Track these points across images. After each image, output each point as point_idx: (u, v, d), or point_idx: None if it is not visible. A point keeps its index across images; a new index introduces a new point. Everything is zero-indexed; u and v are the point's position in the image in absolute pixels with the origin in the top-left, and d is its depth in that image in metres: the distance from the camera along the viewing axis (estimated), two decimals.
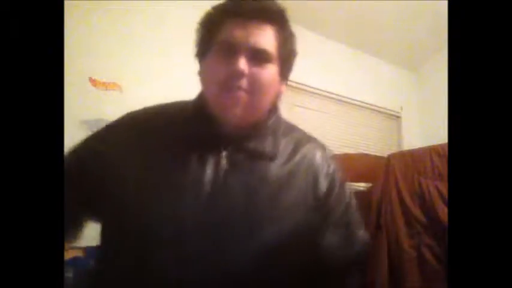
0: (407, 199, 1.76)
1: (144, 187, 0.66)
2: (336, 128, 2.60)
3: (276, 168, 0.71)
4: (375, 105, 2.79)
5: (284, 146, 0.75)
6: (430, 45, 2.76)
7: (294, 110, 2.42)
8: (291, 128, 0.84)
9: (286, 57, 0.75)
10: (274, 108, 0.80)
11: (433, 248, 1.64)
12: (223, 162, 0.68)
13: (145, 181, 0.67)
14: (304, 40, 2.46)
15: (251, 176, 0.68)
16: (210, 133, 0.70)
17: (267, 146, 0.72)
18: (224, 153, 0.69)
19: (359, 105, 2.71)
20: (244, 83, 0.67)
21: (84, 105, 1.64)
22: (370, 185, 2.07)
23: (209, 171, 0.67)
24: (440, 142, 1.71)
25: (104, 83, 1.71)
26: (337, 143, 2.56)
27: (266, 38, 0.69)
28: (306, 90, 2.46)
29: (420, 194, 1.72)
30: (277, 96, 0.78)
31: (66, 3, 0.63)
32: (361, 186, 2.19)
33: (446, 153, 1.66)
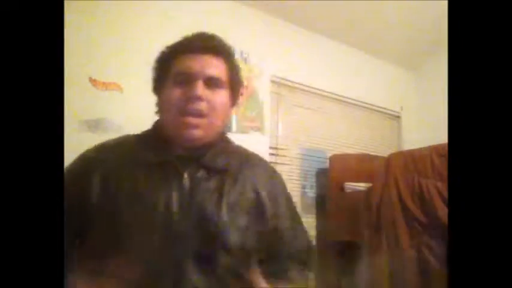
0: (407, 199, 1.76)
1: (120, 211, 0.73)
2: (336, 128, 2.59)
3: (229, 183, 0.79)
4: (375, 105, 2.79)
5: (233, 163, 0.84)
6: (430, 45, 2.76)
7: (294, 110, 2.42)
8: (237, 147, 0.93)
9: (235, 85, 0.86)
10: (224, 129, 0.90)
11: (433, 248, 1.64)
12: (186, 182, 0.76)
13: (120, 205, 0.74)
14: (304, 40, 2.47)
15: (210, 191, 0.77)
16: (169, 156, 0.78)
17: (221, 162, 0.81)
18: (186, 174, 0.76)
19: (359, 105, 2.71)
20: (201, 106, 0.76)
21: (84, 105, 1.64)
22: (370, 185, 2.07)
23: (175, 192, 0.74)
24: (440, 142, 1.71)
25: (104, 83, 1.71)
26: (337, 143, 2.56)
27: (218, 68, 0.81)
28: (306, 90, 2.46)
29: (420, 194, 1.72)
30: (227, 118, 0.88)
31: (66, 3, 0.63)
32: (361, 186, 2.20)
33: (446, 153, 1.66)
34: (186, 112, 0.76)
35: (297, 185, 2.37)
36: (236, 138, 2.18)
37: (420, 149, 1.86)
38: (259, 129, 2.16)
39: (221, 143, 0.86)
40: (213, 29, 2.20)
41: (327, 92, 2.54)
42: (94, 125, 1.64)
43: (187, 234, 0.72)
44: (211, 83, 0.79)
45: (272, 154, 2.24)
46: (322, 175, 2.44)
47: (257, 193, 0.81)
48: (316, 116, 2.51)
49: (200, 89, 0.76)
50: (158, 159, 0.77)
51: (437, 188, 1.67)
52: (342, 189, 2.25)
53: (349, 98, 2.65)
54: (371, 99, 2.75)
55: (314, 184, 2.44)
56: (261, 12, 2.28)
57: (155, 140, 0.82)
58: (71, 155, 1.48)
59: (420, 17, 2.48)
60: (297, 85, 2.41)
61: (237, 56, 2.11)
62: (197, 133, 0.77)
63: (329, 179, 2.31)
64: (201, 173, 0.78)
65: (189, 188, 0.75)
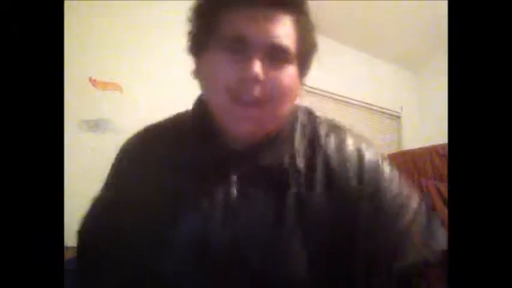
0: None
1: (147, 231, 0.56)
2: None
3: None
4: (375, 105, 2.79)
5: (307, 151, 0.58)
6: (430, 45, 2.76)
7: None
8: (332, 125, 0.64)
9: (307, 54, 0.62)
10: (292, 116, 0.63)
11: None
12: (234, 190, 0.55)
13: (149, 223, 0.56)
14: None
15: (268, 205, 0.54)
16: (216, 156, 0.58)
17: (284, 157, 0.57)
18: (234, 178, 0.56)
19: (359, 105, 2.71)
20: (260, 90, 0.53)
21: (84, 105, 1.64)
22: None
23: (218, 204, 0.54)
24: (440, 142, 1.71)
25: (104, 83, 1.71)
26: None
27: (285, 32, 0.55)
28: (305, 90, 2.46)
29: (420, 194, 1.72)
30: (295, 100, 0.62)
31: (66, 3, 0.63)
32: None
33: (446, 153, 1.66)
34: (238, 98, 0.53)
35: None
36: None
37: (420, 149, 1.86)
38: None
39: (285, 132, 0.60)
40: None
41: (327, 92, 2.54)
42: (94, 125, 1.64)
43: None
44: (276, 55, 0.54)
45: None
46: None
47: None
48: None
49: (258, 66, 0.52)
50: (203, 160, 0.58)
51: (437, 188, 1.67)
52: None
53: (350, 98, 2.65)
54: (371, 99, 2.75)
55: None
56: None
57: (197, 131, 0.61)
58: (71, 155, 1.48)
59: (420, 17, 2.48)
60: None
61: None
62: (252, 127, 0.55)
63: None
64: (256, 178, 0.56)
65: (237, 199, 0.55)
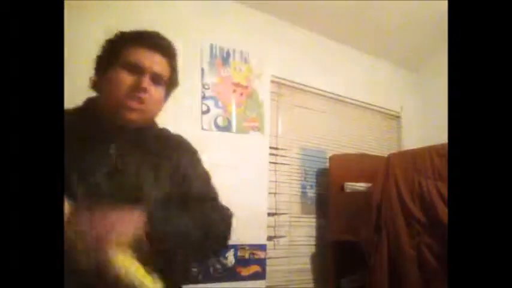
0: (407, 199, 1.76)
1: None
2: (336, 128, 2.59)
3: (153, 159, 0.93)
4: (375, 105, 2.79)
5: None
6: (430, 45, 2.76)
7: (294, 110, 2.42)
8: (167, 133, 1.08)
9: (172, 84, 1.01)
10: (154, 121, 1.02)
11: (433, 248, 1.64)
12: (112, 152, 0.88)
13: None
14: (304, 40, 2.47)
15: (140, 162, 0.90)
16: (100, 130, 0.89)
17: (151, 142, 0.96)
18: (113, 146, 0.88)
19: (359, 105, 2.71)
20: (144, 96, 0.89)
21: None
22: (370, 185, 2.07)
23: (103, 159, 0.86)
24: (440, 142, 1.71)
25: None
26: (337, 143, 2.56)
27: (163, 67, 0.94)
28: (306, 90, 2.46)
29: (420, 194, 1.72)
30: (160, 110, 0.99)
31: (66, 3, 0.63)
32: (361, 186, 2.20)
33: (446, 153, 1.66)
34: (130, 97, 0.88)
35: (297, 185, 2.37)
36: (236, 138, 2.18)
37: (420, 149, 1.86)
38: (259, 129, 2.16)
39: (153, 129, 1.01)
40: (213, 29, 2.21)
41: (327, 92, 2.54)
42: None
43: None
44: (155, 78, 0.92)
45: (272, 154, 2.24)
46: (322, 175, 2.44)
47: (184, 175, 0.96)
48: (316, 116, 2.51)
49: (147, 82, 0.89)
50: (92, 132, 0.88)
51: (437, 188, 1.67)
52: (342, 189, 2.25)
53: (349, 98, 2.65)
54: (371, 99, 2.75)
55: (314, 184, 2.44)
56: (261, 12, 2.28)
57: (90, 115, 0.93)
58: None
59: (420, 17, 2.48)
60: (297, 85, 2.41)
61: (237, 56, 2.12)
62: (135, 116, 0.89)
63: (329, 179, 2.32)
64: (128, 147, 0.90)
65: (116, 158, 0.88)
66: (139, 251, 0.72)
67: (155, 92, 0.92)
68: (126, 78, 0.88)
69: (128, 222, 0.73)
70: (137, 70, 0.89)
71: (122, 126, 0.90)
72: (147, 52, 0.91)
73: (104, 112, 0.91)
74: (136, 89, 0.88)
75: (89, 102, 0.98)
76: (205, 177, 1.04)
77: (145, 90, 0.88)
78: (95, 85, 0.97)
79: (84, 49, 1.72)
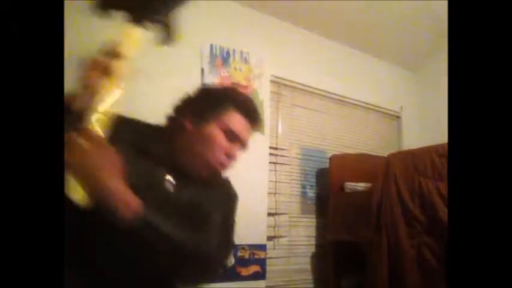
0: (407, 199, 1.76)
1: None
2: (336, 128, 2.60)
3: None
4: (375, 105, 2.79)
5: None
6: (430, 45, 2.76)
7: (294, 110, 2.42)
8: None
9: (247, 146, 1.07)
10: None
11: (433, 248, 1.64)
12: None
13: None
14: (304, 40, 2.47)
15: None
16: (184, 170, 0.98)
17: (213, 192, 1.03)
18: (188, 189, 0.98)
19: (359, 105, 2.71)
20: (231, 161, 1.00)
21: None
22: (370, 185, 2.07)
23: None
24: (440, 142, 1.71)
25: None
26: (337, 143, 2.56)
27: (248, 135, 1.05)
28: (306, 90, 2.46)
29: (420, 194, 1.72)
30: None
31: (66, 3, 0.63)
32: (361, 186, 2.20)
33: (446, 153, 1.66)
34: (219, 157, 0.97)
35: (297, 185, 2.37)
36: None
37: (420, 149, 1.86)
38: (259, 129, 2.16)
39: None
40: (213, 29, 2.20)
41: (327, 92, 2.54)
42: None
43: None
44: (241, 144, 1.02)
45: (272, 154, 2.24)
46: (322, 175, 2.44)
47: None
48: (316, 116, 2.51)
49: (235, 148, 1.00)
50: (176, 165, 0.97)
51: (437, 188, 1.67)
52: (342, 189, 2.25)
53: (349, 98, 2.65)
54: (371, 99, 2.75)
55: (314, 184, 2.44)
56: (260, 12, 2.28)
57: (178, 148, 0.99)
58: None
59: (420, 17, 2.48)
60: (297, 85, 2.41)
61: (237, 56, 2.12)
62: (215, 173, 1.00)
63: (329, 179, 2.32)
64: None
65: None
66: None
67: (237, 155, 1.01)
68: (222, 141, 0.97)
69: None
70: (234, 137, 0.99)
71: (200, 176, 0.98)
72: (245, 122, 1.01)
73: (190, 157, 0.97)
74: (228, 154, 0.98)
75: (174, 129, 1.02)
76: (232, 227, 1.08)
77: (235, 157, 0.99)
78: (188, 131, 0.99)
79: (84, 49, 1.73)
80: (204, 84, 1.10)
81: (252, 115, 1.04)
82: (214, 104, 1.00)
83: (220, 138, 0.97)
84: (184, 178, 0.95)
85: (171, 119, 1.05)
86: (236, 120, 0.99)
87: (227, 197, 1.07)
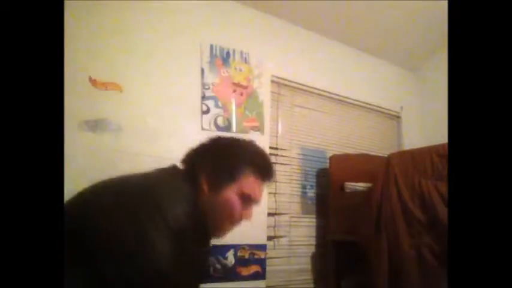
0: (407, 199, 1.76)
1: None
2: (336, 128, 2.59)
3: None
4: (375, 105, 2.79)
5: None
6: (430, 45, 2.76)
7: (294, 110, 2.42)
8: None
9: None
10: None
11: (433, 248, 1.64)
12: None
13: None
14: (304, 40, 2.47)
15: None
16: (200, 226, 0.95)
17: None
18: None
19: (359, 105, 2.71)
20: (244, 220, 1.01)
21: (84, 105, 1.64)
22: (370, 185, 2.07)
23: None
24: (440, 142, 1.71)
25: (104, 83, 1.71)
26: (337, 143, 2.57)
27: (262, 193, 1.04)
28: (306, 90, 2.46)
29: (420, 194, 1.72)
30: None
31: (66, 3, 0.63)
32: (361, 186, 2.20)
33: (446, 153, 1.66)
34: (233, 221, 1.00)
35: (297, 185, 2.37)
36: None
37: (420, 149, 1.86)
38: (259, 129, 2.16)
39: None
40: (213, 29, 2.20)
41: (327, 92, 2.54)
42: (94, 125, 1.64)
43: None
44: (253, 203, 1.03)
45: (272, 154, 2.24)
46: (322, 175, 2.44)
47: None
48: (316, 116, 2.51)
49: (248, 209, 1.01)
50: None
51: (437, 188, 1.66)
52: (342, 189, 2.25)
53: (349, 98, 2.65)
54: (371, 99, 2.75)
55: (314, 184, 2.44)
56: (261, 12, 2.28)
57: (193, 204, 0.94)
58: (71, 155, 1.48)
59: (420, 17, 2.48)
60: (297, 85, 2.41)
61: (237, 56, 2.12)
62: (226, 232, 1.02)
63: (329, 179, 2.32)
64: None
65: None
66: None
67: (248, 214, 1.03)
68: (238, 207, 0.98)
69: None
70: (249, 200, 1.00)
71: (214, 236, 1.01)
72: (260, 185, 1.03)
73: (206, 219, 0.96)
74: (242, 215, 1.00)
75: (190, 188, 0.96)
76: None
77: (248, 218, 1.01)
78: (208, 195, 0.97)
79: (84, 49, 1.73)
80: (219, 137, 1.07)
81: (266, 172, 1.04)
82: (231, 167, 0.99)
83: (236, 204, 0.98)
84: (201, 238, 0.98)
85: (186, 175, 0.99)
86: (252, 183, 1.00)
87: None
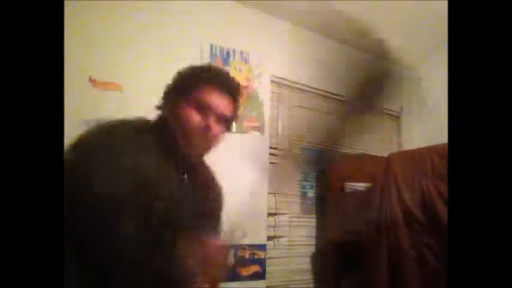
0: (407, 199, 1.76)
1: None
2: (336, 128, 2.59)
3: None
4: (375, 105, 2.78)
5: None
6: (430, 45, 2.76)
7: (293, 110, 2.42)
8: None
9: (231, 121, 1.05)
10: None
11: (433, 248, 1.64)
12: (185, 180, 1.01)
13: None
14: (304, 40, 2.47)
15: None
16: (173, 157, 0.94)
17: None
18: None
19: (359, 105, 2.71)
20: (207, 133, 0.96)
21: (84, 105, 1.64)
22: (370, 185, 2.07)
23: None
24: (440, 142, 1.71)
25: (104, 83, 1.71)
26: (337, 143, 2.56)
27: (229, 109, 1.00)
28: (306, 90, 2.46)
29: (420, 194, 1.72)
30: (214, 147, 1.04)
31: (66, 3, 0.63)
32: (361, 186, 2.20)
33: (446, 153, 1.66)
34: (195, 134, 0.95)
35: (297, 185, 2.37)
36: (236, 138, 2.18)
37: (420, 149, 1.86)
38: (259, 129, 2.16)
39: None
40: (213, 29, 2.20)
41: (327, 92, 2.54)
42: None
43: None
44: (219, 117, 0.98)
45: (272, 154, 2.24)
46: (322, 175, 2.44)
47: None
48: (315, 116, 2.51)
49: (212, 121, 0.96)
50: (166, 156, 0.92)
51: (437, 188, 1.66)
52: (342, 189, 2.25)
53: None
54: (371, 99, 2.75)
55: (314, 184, 2.44)
56: (261, 12, 2.28)
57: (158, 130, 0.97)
58: None
59: (420, 18, 2.48)
60: (297, 85, 2.41)
61: (237, 56, 2.12)
62: (196, 150, 0.99)
63: (329, 179, 2.32)
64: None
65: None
66: None
67: (216, 130, 0.98)
68: (195, 116, 0.95)
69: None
70: (205, 110, 0.96)
71: (185, 158, 0.97)
72: (217, 93, 0.98)
73: (171, 141, 0.95)
74: (204, 128, 0.95)
75: (161, 122, 1.01)
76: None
77: (210, 129, 0.96)
78: (163, 116, 1.01)
79: (84, 49, 1.73)
80: (180, 69, 1.06)
81: (231, 90, 1.01)
82: (188, 85, 0.99)
83: (193, 115, 0.95)
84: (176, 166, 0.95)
85: (158, 109, 1.05)
86: (211, 95, 0.97)
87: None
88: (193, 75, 1.01)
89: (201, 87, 0.97)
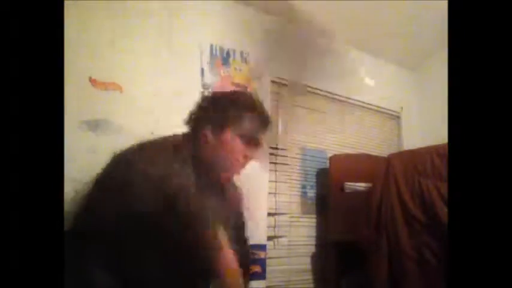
0: (407, 199, 1.76)
1: None
2: (336, 128, 2.59)
3: None
4: (375, 105, 2.78)
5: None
6: (430, 45, 2.76)
7: (294, 110, 2.42)
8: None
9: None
10: None
11: (433, 248, 1.64)
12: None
13: None
14: (304, 40, 2.46)
15: None
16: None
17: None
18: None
19: (359, 105, 2.71)
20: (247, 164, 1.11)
21: (84, 105, 1.64)
22: (370, 185, 2.07)
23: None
24: (440, 142, 1.71)
25: (104, 83, 1.71)
26: (337, 143, 2.56)
27: (262, 137, 1.12)
28: (306, 91, 2.46)
29: (420, 194, 1.72)
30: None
31: (66, 3, 0.63)
32: (361, 186, 2.19)
33: (446, 153, 1.66)
34: (236, 163, 1.08)
35: (297, 185, 2.36)
36: None
37: (420, 149, 1.86)
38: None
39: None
40: (213, 29, 2.21)
41: (327, 92, 2.54)
42: (94, 125, 1.64)
43: None
44: (255, 147, 1.11)
45: (272, 154, 2.24)
46: (322, 175, 2.44)
47: None
48: (316, 116, 2.51)
49: (250, 152, 1.08)
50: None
51: (437, 188, 1.67)
52: (342, 189, 2.25)
53: (349, 98, 2.65)
54: (371, 99, 2.75)
55: (314, 184, 2.44)
56: (261, 12, 2.28)
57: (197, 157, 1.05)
58: (71, 154, 1.48)
59: (420, 17, 2.48)
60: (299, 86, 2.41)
61: (237, 56, 2.12)
62: (231, 174, 1.11)
63: (329, 179, 2.32)
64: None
65: None
66: None
67: (253, 157, 1.11)
68: (240, 148, 1.06)
69: None
70: (249, 142, 1.07)
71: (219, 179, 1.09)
72: (256, 123, 1.09)
73: (210, 163, 1.05)
74: (245, 158, 1.07)
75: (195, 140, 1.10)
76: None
77: (249, 159, 1.08)
78: (208, 141, 1.08)
79: (84, 49, 1.73)
80: (211, 93, 1.23)
81: (261, 114, 1.11)
82: (226, 111, 1.07)
83: (237, 142, 1.05)
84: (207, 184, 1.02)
85: (190, 130, 1.13)
86: (248, 122, 1.07)
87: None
88: (231, 102, 1.09)
89: (241, 116, 1.07)
